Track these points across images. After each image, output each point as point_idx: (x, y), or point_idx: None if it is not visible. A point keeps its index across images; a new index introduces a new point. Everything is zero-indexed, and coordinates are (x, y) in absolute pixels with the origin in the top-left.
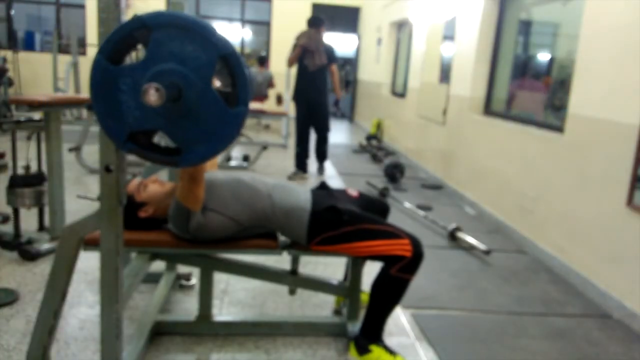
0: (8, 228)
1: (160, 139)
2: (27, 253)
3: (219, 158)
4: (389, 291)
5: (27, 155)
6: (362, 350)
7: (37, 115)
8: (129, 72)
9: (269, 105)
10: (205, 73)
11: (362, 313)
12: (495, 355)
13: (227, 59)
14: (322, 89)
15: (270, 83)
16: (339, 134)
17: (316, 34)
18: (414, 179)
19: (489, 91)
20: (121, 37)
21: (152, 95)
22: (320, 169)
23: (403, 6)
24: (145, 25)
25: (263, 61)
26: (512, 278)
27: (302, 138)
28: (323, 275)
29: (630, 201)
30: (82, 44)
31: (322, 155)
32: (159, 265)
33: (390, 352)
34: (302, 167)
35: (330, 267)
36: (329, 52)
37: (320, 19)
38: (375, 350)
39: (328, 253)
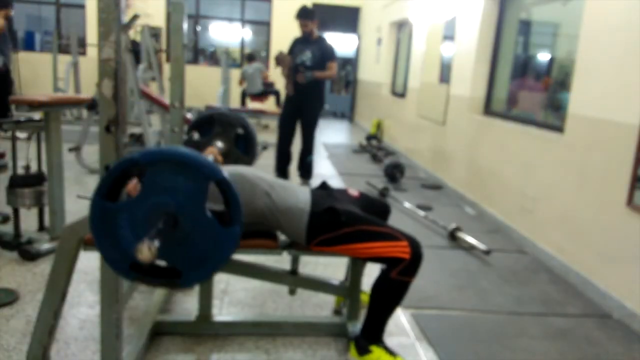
0: (8, 228)
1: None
2: (27, 253)
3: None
4: (389, 294)
5: (27, 155)
6: (363, 350)
7: (37, 115)
8: (126, 208)
9: (269, 105)
10: (198, 200)
11: (362, 313)
12: (495, 355)
13: (219, 184)
14: (315, 93)
15: (263, 75)
16: (339, 134)
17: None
18: (414, 179)
19: (489, 91)
20: (116, 177)
21: (144, 254)
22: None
23: (403, 6)
24: (138, 164)
25: (251, 58)
26: (512, 278)
27: (283, 136)
28: (323, 275)
29: (630, 201)
30: (82, 44)
31: (305, 170)
32: None
33: (391, 352)
34: (282, 172)
35: (330, 267)
36: (328, 51)
37: (311, 11)
38: (376, 351)
39: (327, 253)
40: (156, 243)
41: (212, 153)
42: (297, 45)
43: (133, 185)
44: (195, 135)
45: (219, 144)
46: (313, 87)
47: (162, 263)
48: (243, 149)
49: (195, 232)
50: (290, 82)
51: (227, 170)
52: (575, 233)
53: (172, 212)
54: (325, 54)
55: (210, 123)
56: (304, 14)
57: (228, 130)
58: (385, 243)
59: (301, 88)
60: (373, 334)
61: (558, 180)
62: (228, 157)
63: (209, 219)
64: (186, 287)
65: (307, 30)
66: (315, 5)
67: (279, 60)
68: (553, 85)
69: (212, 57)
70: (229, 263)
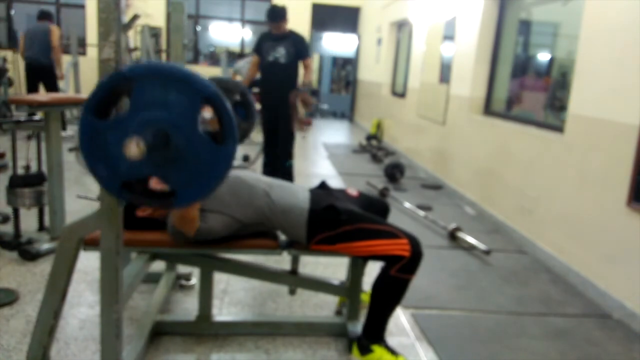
0: (8, 228)
1: None
2: (27, 253)
3: None
4: (390, 291)
5: (27, 155)
6: (364, 350)
7: (37, 116)
8: (116, 125)
9: None
10: (191, 116)
11: (363, 313)
12: (495, 355)
13: (211, 101)
14: (289, 88)
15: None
16: (338, 133)
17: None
18: (414, 179)
19: (489, 91)
20: (104, 93)
21: (132, 150)
22: None
23: (403, 6)
24: (126, 78)
25: (242, 55)
26: (512, 278)
27: (269, 142)
28: (323, 275)
29: (630, 201)
30: (82, 44)
31: (287, 176)
32: (159, 265)
33: (392, 352)
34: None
35: (330, 267)
36: (303, 47)
37: (282, 11)
38: (377, 350)
39: (328, 253)
40: (143, 143)
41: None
42: (267, 41)
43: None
44: None
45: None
46: (288, 88)
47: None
48: (242, 115)
49: (188, 149)
50: (300, 122)
51: None
52: (575, 233)
53: (164, 128)
54: (300, 51)
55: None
56: (274, 17)
57: (227, 96)
58: (386, 241)
59: (277, 92)
60: (374, 333)
61: (558, 180)
62: None
63: (202, 136)
64: (180, 206)
65: (279, 32)
66: (315, 5)
67: (305, 101)
68: (553, 85)
69: (211, 57)
70: (229, 263)
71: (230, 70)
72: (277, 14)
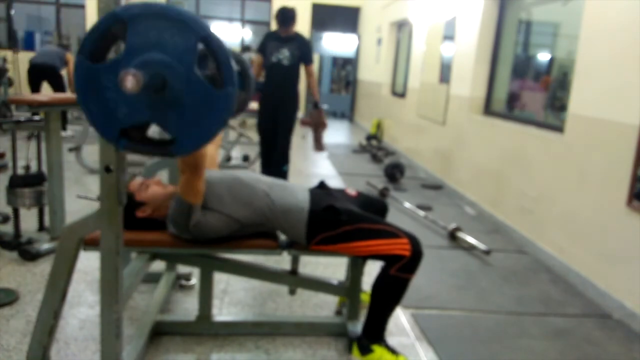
0: (8, 228)
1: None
2: (27, 253)
3: (219, 158)
4: (390, 291)
5: (27, 155)
6: (365, 350)
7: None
8: (112, 69)
9: None
10: (187, 59)
11: (363, 313)
12: (495, 355)
13: (207, 41)
14: (291, 97)
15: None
16: (338, 133)
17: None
18: (414, 179)
19: (489, 91)
20: (98, 35)
21: (129, 82)
22: None
23: (403, 6)
24: (119, 19)
25: (246, 49)
26: (512, 278)
27: (266, 145)
28: (323, 275)
29: (630, 201)
30: None
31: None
32: (159, 265)
33: (393, 351)
34: None
35: (330, 267)
36: (308, 52)
37: (293, 13)
38: (378, 350)
39: (327, 253)
40: (141, 74)
41: None
42: (272, 42)
43: (135, 184)
44: None
45: None
46: (288, 90)
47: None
48: (239, 84)
49: (186, 93)
50: (318, 141)
51: (224, 174)
52: (575, 233)
53: (160, 71)
54: (305, 55)
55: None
56: (286, 21)
57: None
58: (386, 241)
59: (277, 93)
60: (375, 333)
61: (558, 180)
62: None
63: (199, 79)
64: (181, 154)
65: (288, 34)
66: (315, 5)
67: (317, 122)
68: (553, 85)
69: None
70: (229, 263)
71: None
72: (289, 18)
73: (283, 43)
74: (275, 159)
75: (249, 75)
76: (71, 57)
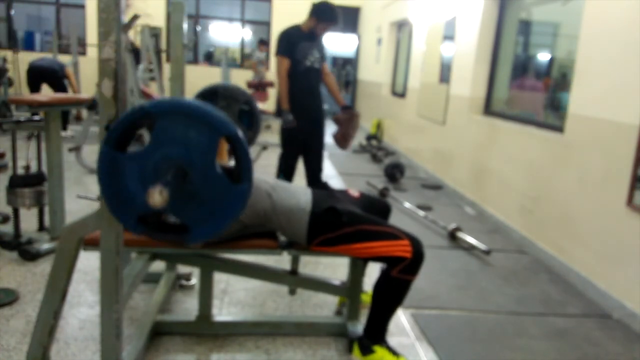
0: (8, 228)
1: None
2: (27, 253)
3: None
4: (391, 293)
5: (27, 155)
6: (366, 350)
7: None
8: (136, 159)
9: (269, 105)
10: (209, 154)
11: (363, 313)
12: (495, 355)
13: (230, 140)
14: (322, 104)
15: (261, 68)
16: None
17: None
18: (414, 179)
19: (489, 91)
20: (126, 127)
21: (156, 198)
22: None
23: (403, 6)
24: (148, 114)
25: (263, 42)
26: (512, 278)
27: (294, 158)
28: (323, 275)
29: (630, 201)
30: (82, 44)
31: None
32: (159, 265)
33: (394, 352)
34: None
35: (330, 267)
36: (326, 52)
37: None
38: (379, 350)
39: (328, 253)
40: (167, 190)
41: None
42: (302, 41)
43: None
44: None
45: None
46: (320, 98)
47: (171, 219)
48: (247, 123)
49: (205, 186)
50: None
51: None
52: (575, 233)
53: (182, 164)
54: (324, 55)
55: (214, 96)
56: (336, 19)
57: (232, 104)
58: (387, 242)
59: (316, 101)
60: (376, 333)
61: (558, 180)
62: None
63: (218, 174)
64: (194, 242)
65: (322, 32)
66: (315, 5)
67: (352, 124)
68: (553, 85)
69: (208, 57)
70: (229, 263)
71: (253, 61)
72: (337, 16)
73: (313, 43)
74: (313, 169)
75: (256, 114)
76: (71, 72)
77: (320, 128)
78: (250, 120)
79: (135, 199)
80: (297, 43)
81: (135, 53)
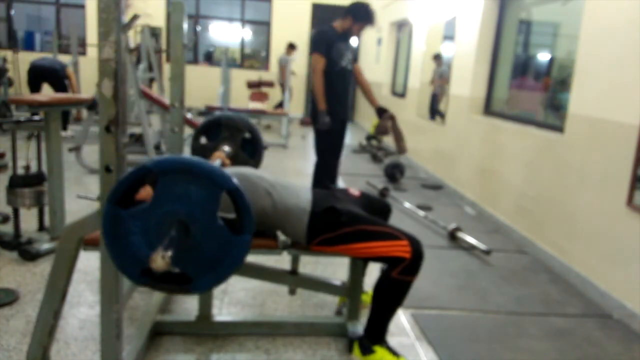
0: (8, 228)
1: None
2: (27, 253)
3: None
4: (391, 293)
5: (27, 155)
6: (366, 351)
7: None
8: (139, 215)
9: (270, 105)
10: (210, 209)
11: (363, 313)
12: (495, 355)
13: (231, 194)
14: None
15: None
16: None
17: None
18: (414, 179)
19: (489, 91)
20: (129, 185)
21: (158, 263)
22: None
23: (403, 6)
24: (150, 172)
25: (293, 46)
26: (512, 278)
27: (335, 158)
28: (323, 275)
29: (630, 201)
30: (82, 44)
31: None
32: None
33: (394, 353)
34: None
35: (330, 267)
36: (353, 49)
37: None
38: (379, 351)
39: (328, 253)
40: (169, 252)
41: (219, 157)
42: (337, 42)
43: (146, 192)
44: (203, 140)
45: (226, 148)
46: (351, 98)
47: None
48: (250, 152)
49: (207, 239)
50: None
51: (229, 171)
52: (575, 233)
53: (184, 219)
54: (355, 55)
55: (218, 127)
56: (373, 19)
57: (235, 134)
58: (386, 242)
59: (347, 104)
60: (376, 334)
61: (558, 180)
62: (235, 160)
63: (220, 226)
64: (196, 293)
65: (360, 33)
66: (315, 5)
67: (395, 125)
68: (553, 85)
69: (208, 58)
70: None
71: (282, 65)
72: (375, 16)
73: (346, 43)
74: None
75: (259, 143)
76: (72, 72)
77: (345, 130)
78: (253, 148)
79: (140, 253)
80: (333, 43)
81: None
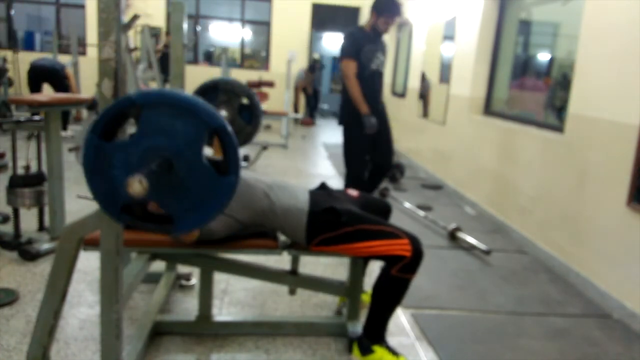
0: (8, 228)
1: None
2: (27, 253)
3: None
4: (390, 291)
5: (27, 155)
6: (365, 350)
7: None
8: (122, 149)
9: (269, 105)
10: (195, 146)
11: (363, 313)
12: (495, 355)
13: (217, 132)
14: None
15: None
16: (339, 133)
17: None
18: (414, 179)
19: (489, 91)
20: (112, 116)
21: (135, 188)
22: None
23: (403, 6)
24: (135, 104)
25: (316, 63)
26: (512, 278)
27: (363, 166)
28: (323, 275)
29: (630, 201)
30: (82, 44)
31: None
32: (159, 265)
33: (393, 352)
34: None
35: (330, 267)
36: (386, 50)
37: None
38: (378, 350)
39: (328, 253)
40: (146, 180)
41: None
42: (367, 43)
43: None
44: None
45: (223, 112)
46: (382, 101)
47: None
48: (247, 118)
49: (191, 178)
50: None
51: None
52: (575, 233)
53: (168, 155)
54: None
55: (215, 90)
56: (396, 10)
57: (232, 99)
58: (386, 241)
59: (380, 107)
60: (375, 333)
61: (558, 180)
62: (231, 125)
63: (205, 166)
64: (177, 233)
65: (389, 29)
66: (315, 5)
67: None
68: (553, 85)
69: (208, 58)
70: (229, 263)
71: (236, 72)
72: (400, 6)
73: (377, 45)
74: (376, 179)
75: (257, 109)
76: (71, 73)
77: (384, 135)
78: (250, 115)
79: (120, 189)
80: (362, 45)
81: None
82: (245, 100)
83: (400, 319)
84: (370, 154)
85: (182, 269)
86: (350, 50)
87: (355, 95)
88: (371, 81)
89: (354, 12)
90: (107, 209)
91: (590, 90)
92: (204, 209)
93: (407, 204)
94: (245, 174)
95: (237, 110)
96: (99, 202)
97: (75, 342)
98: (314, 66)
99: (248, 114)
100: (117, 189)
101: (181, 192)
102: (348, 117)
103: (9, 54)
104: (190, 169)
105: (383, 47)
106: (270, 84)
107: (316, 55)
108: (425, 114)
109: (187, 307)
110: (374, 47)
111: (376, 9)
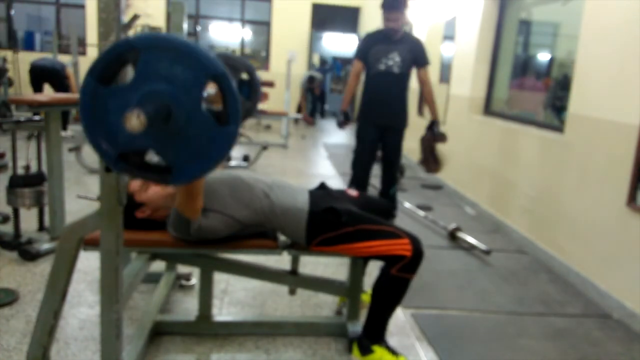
0: (8, 228)
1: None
2: (27, 253)
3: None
4: (390, 291)
5: (27, 155)
6: (365, 350)
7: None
8: (119, 93)
9: (269, 105)
10: (195, 93)
11: (363, 313)
12: (495, 355)
13: (217, 79)
14: (403, 113)
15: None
16: (339, 134)
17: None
18: (414, 179)
19: (489, 91)
20: (110, 59)
21: (133, 122)
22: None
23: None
24: (133, 47)
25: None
26: (512, 278)
27: (363, 169)
28: (323, 275)
29: (630, 201)
30: (82, 44)
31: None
32: (159, 265)
33: (393, 352)
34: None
35: (330, 267)
36: (421, 53)
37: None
38: (378, 350)
39: (328, 253)
40: (144, 116)
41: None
42: (377, 44)
43: (136, 185)
44: None
45: None
46: (397, 105)
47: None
48: (246, 94)
49: (189, 126)
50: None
51: (224, 174)
52: (575, 233)
53: (166, 102)
54: (418, 58)
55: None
56: (392, 4)
57: (232, 73)
58: (387, 241)
59: (387, 109)
60: (375, 333)
61: (558, 180)
62: None
63: (204, 114)
64: (176, 183)
65: (395, 26)
66: (315, 5)
67: (430, 146)
68: (553, 85)
69: None
70: (229, 263)
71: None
72: (395, 1)
73: (392, 45)
74: (382, 182)
75: (257, 84)
76: (71, 73)
77: (389, 135)
78: (250, 90)
79: (118, 135)
80: (371, 46)
81: None
82: (245, 76)
83: (400, 319)
84: (381, 166)
85: (182, 269)
86: (358, 51)
87: (345, 91)
88: (377, 81)
89: (354, 12)
90: (104, 155)
91: (590, 90)
92: (204, 159)
93: (407, 204)
94: (245, 174)
95: (236, 84)
96: (95, 149)
97: (75, 342)
98: (324, 67)
99: (247, 89)
100: (114, 136)
101: (179, 140)
102: (357, 115)
103: (9, 54)
104: (189, 117)
105: (404, 48)
106: (270, 84)
107: (316, 56)
108: (425, 113)
109: (187, 307)
110: (386, 47)
111: (381, 7)
